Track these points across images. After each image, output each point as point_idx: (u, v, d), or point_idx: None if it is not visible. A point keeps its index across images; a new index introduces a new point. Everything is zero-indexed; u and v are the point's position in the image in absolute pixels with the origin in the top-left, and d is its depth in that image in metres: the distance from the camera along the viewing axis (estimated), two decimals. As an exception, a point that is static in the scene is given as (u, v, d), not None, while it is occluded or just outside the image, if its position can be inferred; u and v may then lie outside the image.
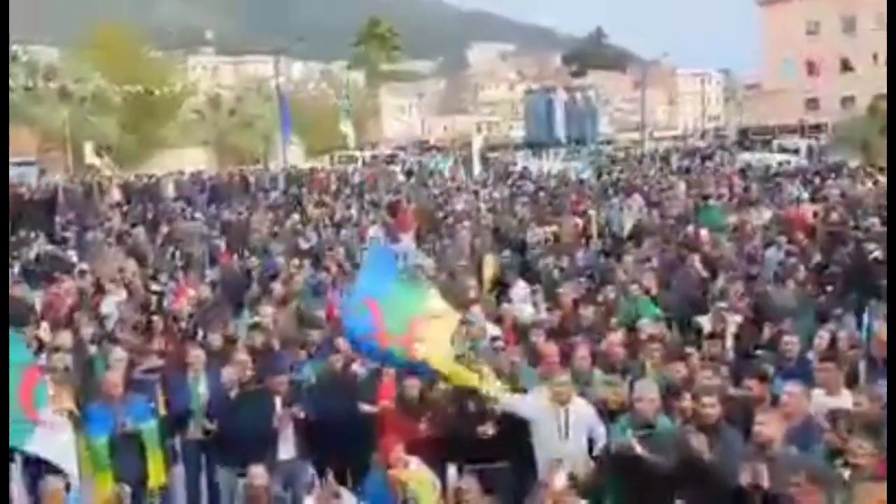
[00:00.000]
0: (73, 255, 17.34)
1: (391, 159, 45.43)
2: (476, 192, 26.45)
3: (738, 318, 9.11)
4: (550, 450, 6.15)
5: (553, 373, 6.80)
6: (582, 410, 6.38)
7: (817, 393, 6.28)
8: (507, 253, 14.34)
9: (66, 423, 6.31)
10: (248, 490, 6.18)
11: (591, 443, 6.40)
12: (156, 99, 42.06)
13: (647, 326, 8.31)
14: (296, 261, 13.66)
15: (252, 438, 6.98)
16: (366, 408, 7.44)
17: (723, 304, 9.46)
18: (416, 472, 6.12)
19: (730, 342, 8.32)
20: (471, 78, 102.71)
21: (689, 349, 7.69)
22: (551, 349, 7.65)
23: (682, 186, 24.03)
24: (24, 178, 28.67)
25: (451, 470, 6.70)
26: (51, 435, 6.12)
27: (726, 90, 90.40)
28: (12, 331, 7.26)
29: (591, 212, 18.27)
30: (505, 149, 51.79)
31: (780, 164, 32.35)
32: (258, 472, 6.17)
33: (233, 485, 7.06)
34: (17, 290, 11.92)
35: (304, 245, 16.22)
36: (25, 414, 6.12)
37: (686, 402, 6.22)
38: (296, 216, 21.26)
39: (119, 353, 8.34)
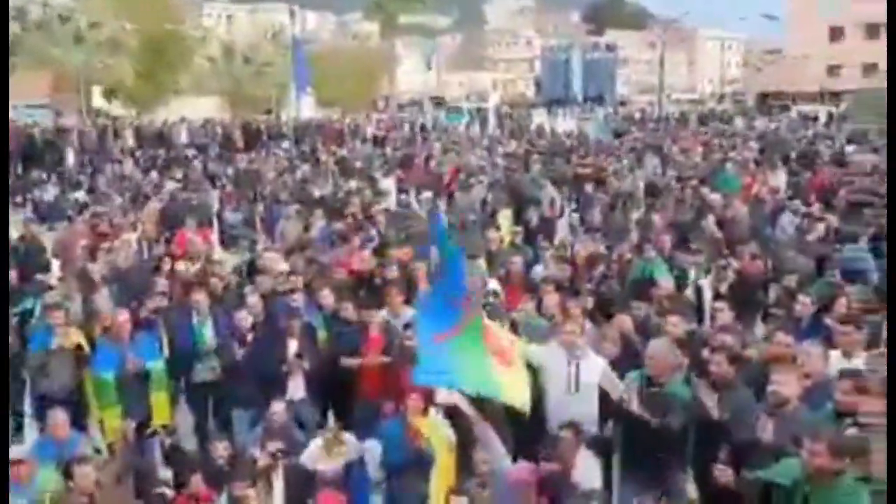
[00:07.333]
0: (85, 197, 17.40)
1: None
2: (489, 149, 26.25)
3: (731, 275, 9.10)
4: (558, 402, 6.10)
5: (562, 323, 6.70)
6: (593, 366, 6.25)
7: (834, 355, 6.23)
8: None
9: None
10: (269, 424, 6.29)
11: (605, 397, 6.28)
12: (170, 45, 41.66)
13: (665, 284, 8.25)
14: (307, 209, 13.61)
15: (265, 379, 7.05)
16: (373, 359, 7.42)
17: (723, 263, 9.41)
18: (433, 422, 6.09)
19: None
20: (488, 34, 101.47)
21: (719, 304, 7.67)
22: (555, 299, 7.69)
23: (698, 149, 23.81)
24: (38, 119, 28.63)
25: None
26: None
27: (746, 53, 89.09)
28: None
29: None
30: (521, 106, 51.35)
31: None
32: (279, 408, 6.38)
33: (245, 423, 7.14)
34: (31, 229, 12.01)
35: (316, 194, 16.14)
36: None
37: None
38: (306, 166, 21.17)
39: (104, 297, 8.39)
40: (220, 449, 6.06)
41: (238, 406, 7.36)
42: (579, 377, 6.14)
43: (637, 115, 46.28)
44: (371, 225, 12.44)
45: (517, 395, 5.67)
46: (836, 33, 56.58)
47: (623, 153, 23.21)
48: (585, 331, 6.92)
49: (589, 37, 73.10)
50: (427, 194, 16.32)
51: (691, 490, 5.90)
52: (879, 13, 53.32)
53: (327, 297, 8.21)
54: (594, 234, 12.29)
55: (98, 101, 31.01)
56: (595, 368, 6.22)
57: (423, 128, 37.19)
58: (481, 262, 9.83)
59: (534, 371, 6.22)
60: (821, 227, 11.52)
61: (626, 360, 6.55)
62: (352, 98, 50.86)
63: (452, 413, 6.07)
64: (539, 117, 40.54)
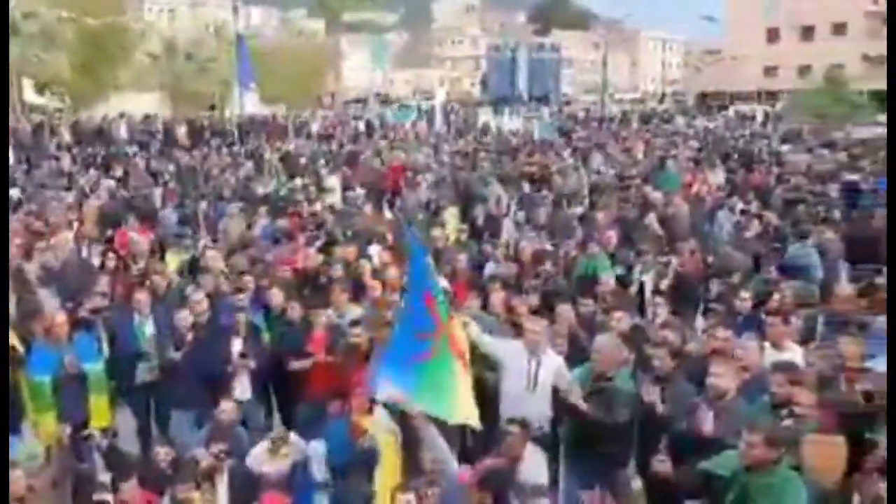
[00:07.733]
0: (19, 195, 16.86)
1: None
2: (436, 146, 26.26)
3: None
4: (516, 398, 6.12)
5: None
6: (552, 363, 6.30)
7: (766, 346, 6.40)
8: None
9: None
10: (216, 423, 6.21)
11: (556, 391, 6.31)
12: (110, 38, 40.61)
13: (607, 280, 8.36)
14: (251, 207, 13.44)
15: (209, 379, 6.95)
16: (319, 358, 7.36)
17: (663, 260, 9.60)
18: (377, 420, 6.03)
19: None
20: (434, 32, 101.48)
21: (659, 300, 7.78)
22: (501, 296, 7.74)
23: (640, 147, 24.21)
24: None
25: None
26: None
27: (687, 54, 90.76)
28: None
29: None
30: (467, 104, 51.49)
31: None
32: (228, 407, 6.30)
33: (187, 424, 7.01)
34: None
35: (260, 191, 15.94)
36: None
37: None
38: (250, 163, 20.89)
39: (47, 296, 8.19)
40: (163, 453, 5.95)
41: (180, 407, 7.25)
42: (538, 375, 6.18)
43: (581, 115, 46.78)
44: (316, 223, 12.36)
45: (471, 412, 5.63)
46: (772, 35, 58.05)
47: (568, 152, 23.46)
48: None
49: (534, 37, 73.61)
50: (360, 191, 16.32)
51: (637, 484, 6.00)
52: (813, 16, 55.14)
53: (276, 295, 8.12)
54: (540, 232, 12.40)
55: (30, 95, 29.92)
56: (553, 365, 6.28)
57: (368, 125, 36.98)
58: (428, 259, 9.84)
59: (491, 364, 6.26)
60: (758, 224, 11.83)
61: (572, 356, 6.64)
62: (297, 95, 50.24)
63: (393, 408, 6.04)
64: (485, 115, 40.60)
